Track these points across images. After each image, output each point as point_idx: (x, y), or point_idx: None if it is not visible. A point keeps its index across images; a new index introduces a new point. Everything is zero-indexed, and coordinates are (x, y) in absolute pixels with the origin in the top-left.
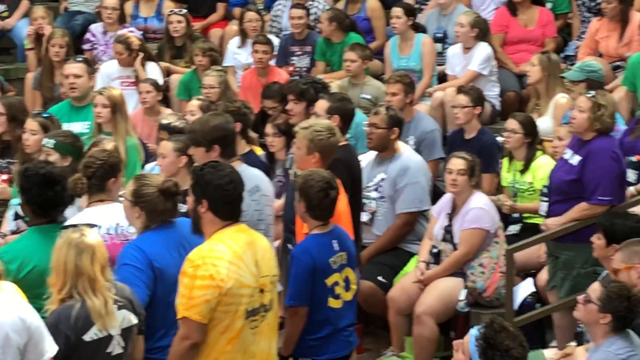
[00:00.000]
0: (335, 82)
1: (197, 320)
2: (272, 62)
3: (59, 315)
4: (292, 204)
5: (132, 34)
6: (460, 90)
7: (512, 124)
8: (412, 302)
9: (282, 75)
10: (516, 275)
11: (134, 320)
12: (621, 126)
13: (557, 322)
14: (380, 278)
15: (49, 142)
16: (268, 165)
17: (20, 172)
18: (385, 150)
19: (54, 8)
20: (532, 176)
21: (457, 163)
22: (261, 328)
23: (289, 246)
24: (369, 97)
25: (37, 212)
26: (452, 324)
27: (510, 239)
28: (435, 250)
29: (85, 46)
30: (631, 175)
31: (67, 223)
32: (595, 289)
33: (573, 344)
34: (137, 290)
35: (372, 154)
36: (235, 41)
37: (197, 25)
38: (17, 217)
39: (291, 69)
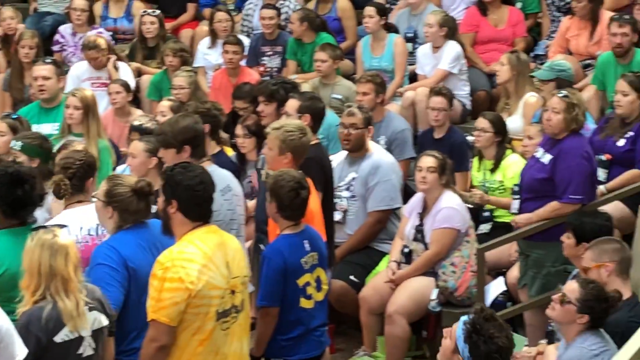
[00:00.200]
0: (307, 82)
1: (165, 322)
2: (243, 63)
3: (29, 317)
4: (264, 204)
5: (100, 35)
6: (437, 92)
7: (482, 122)
8: (383, 302)
9: (252, 76)
10: (487, 274)
11: (104, 321)
12: (591, 125)
13: (528, 320)
14: (352, 277)
15: (16, 144)
16: (239, 166)
17: None
18: (358, 150)
19: (23, 9)
20: (502, 175)
21: (427, 161)
22: (233, 329)
23: (261, 247)
24: (340, 97)
25: (7, 212)
26: (423, 323)
27: (481, 238)
28: (406, 250)
29: (55, 48)
30: (601, 174)
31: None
32: (574, 290)
33: (544, 342)
34: (112, 290)
35: (343, 154)
36: (205, 42)
37: (168, 25)
38: None
39: (262, 69)
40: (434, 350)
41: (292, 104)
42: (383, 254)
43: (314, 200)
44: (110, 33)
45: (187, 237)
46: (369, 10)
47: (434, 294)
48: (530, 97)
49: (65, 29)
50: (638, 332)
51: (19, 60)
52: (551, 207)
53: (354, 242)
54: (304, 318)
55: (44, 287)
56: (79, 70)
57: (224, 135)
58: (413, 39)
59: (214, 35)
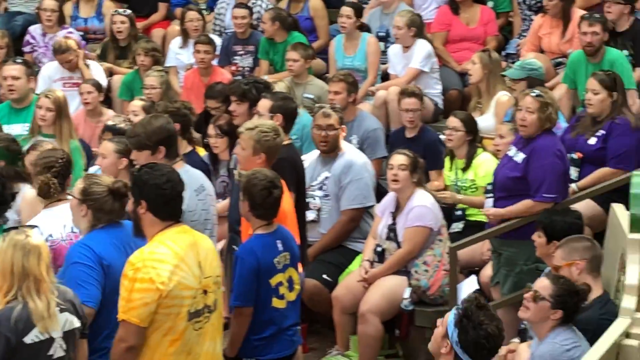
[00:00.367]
0: (281, 82)
1: (135, 323)
2: (215, 62)
3: None
4: (237, 204)
5: (69, 36)
6: (409, 94)
7: (453, 122)
8: (356, 301)
9: (224, 75)
10: (460, 273)
11: (76, 323)
12: (562, 123)
13: (501, 318)
14: (325, 276)
15: None
16: (211, 166)
17: None
18: (332, 150)
19: None
20: (473, 173)
21: (398, 159)
22: (205, 329)
23: (234, 247)
24: (312, 96)
25: None
26: (396, 322)
27: (454, 237)
28: (379, 249)
29: (26, 49)
30: (572, 172)
31: (33, 223)
32: (546, 286)
33: (516, 340)
34: (89, 287)
35: (315, 154)
36: (177, 41)
37: (139, 25)
38: None
39: (234, 68)
40: (407, 349)
41: (264, 104)
42: (356, 253)
43: (287, 201)
44: (81, 33)
45: (158, 237)
46: (347, 10)
47: (407, 293)
48: (502, 96)
49: (35, 29)
50: (610, 329)
51: None
52: (524, 204)
53: (328, 240)
54: (276, 318)
55: (17, 288)
56: (50, 70)
57: (196, 135)
58: (385, 38)
59: (185, 34)
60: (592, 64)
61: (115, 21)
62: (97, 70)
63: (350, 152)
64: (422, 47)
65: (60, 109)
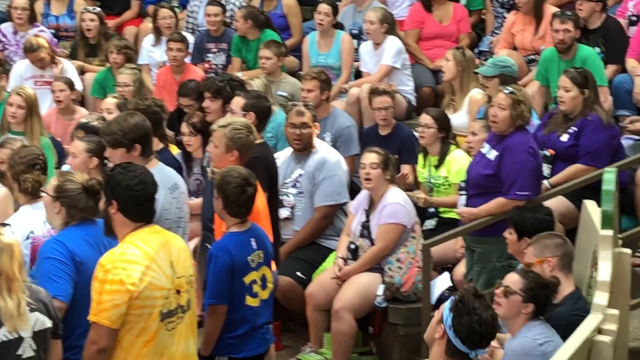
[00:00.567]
0: (258, 80)
1: (106, 325)
2: (187, 60)
3: None
4: (210, 202)
5: (40, 34)
6: (380, 92)
7: (425, 119)
8: (330, 298)
9: (197, 73)
10: (433, 270)
11: (47, 323)
12: (535, 120)
13: None
14: (298, 274)
15: None
16: (184, 164)
17: None
18: (306, 148)
19: None
20: (446, 170)
21: (370, 157)
22: (179, 329)
23: (207, 245)
24: (285, 94)
25: None
26: (370, 319)
27: (427, 234)
28: (352, 246)
29: None
30: (545, 169)
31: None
32: (516, 281)
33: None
34: (62, 282)
35: (288, 151)
36: (149, 39)
37: (111, 22)
38: None
39: (207, 66)
40: (381, 346)
41: (238, 102)
42: (330, 251)
43: (260, 199)
44: (53, 31)
45: (129, 238)
46: (325, 8)
47: (380, 290)
48: (476, 94)
49: (6, 27)
50: (582, 326)
51: None
52: (497, 202)
53: (301, 237)
54: (249, 316)
55: None
56: (22, 68)
57: (169, 132)
58: (358, 36)
59: (157, 32)
60: (564, 61)
61: (84, 19)
62: (69, 68)
63: (323, 150)
64: (392, 44)
65: (31, 107)
